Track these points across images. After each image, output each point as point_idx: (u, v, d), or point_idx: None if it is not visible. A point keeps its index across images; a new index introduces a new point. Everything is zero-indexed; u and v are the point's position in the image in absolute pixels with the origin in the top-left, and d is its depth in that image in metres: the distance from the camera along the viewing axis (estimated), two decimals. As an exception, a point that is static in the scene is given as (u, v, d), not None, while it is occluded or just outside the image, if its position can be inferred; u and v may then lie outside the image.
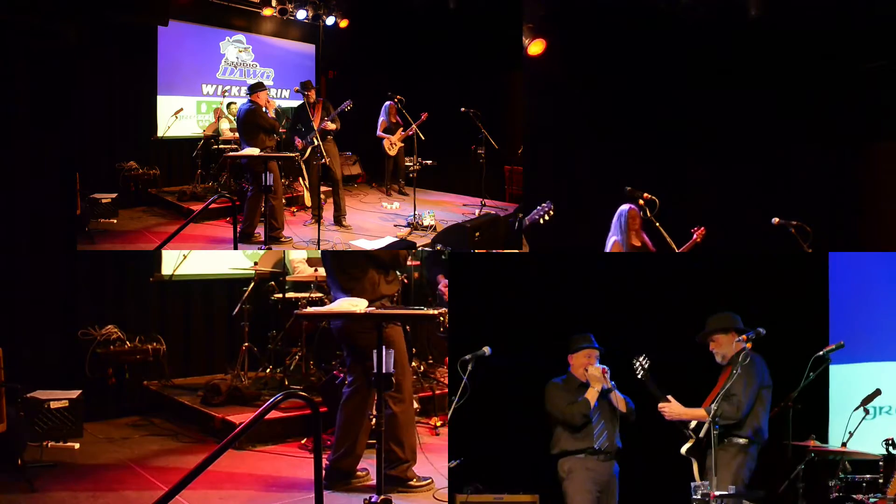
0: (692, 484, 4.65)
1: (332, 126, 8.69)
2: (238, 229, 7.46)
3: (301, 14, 10.74)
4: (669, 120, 7.88)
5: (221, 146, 9.76)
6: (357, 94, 9.08)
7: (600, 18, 7.79)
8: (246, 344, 7.76)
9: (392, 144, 10.61)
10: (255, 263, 8.10)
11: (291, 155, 8.54)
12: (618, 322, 5.38)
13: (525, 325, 5.53)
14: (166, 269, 8.27)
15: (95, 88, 9.00)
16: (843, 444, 5.20)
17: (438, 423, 6.93)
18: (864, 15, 7.19)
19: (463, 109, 9.38)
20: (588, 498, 4.95)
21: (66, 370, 7.17)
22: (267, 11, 10.68)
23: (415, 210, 9.02)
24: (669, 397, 4.88)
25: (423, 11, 10.48)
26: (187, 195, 9.57)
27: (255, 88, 8.40)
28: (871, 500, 4.85)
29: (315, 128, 8.56)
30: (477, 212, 9.55)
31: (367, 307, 4.80)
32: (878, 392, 5.31)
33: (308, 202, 9.24)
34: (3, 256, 6.83)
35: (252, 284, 8.00)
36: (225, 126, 10.11)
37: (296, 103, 9.33)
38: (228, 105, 10.34)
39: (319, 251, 7.40)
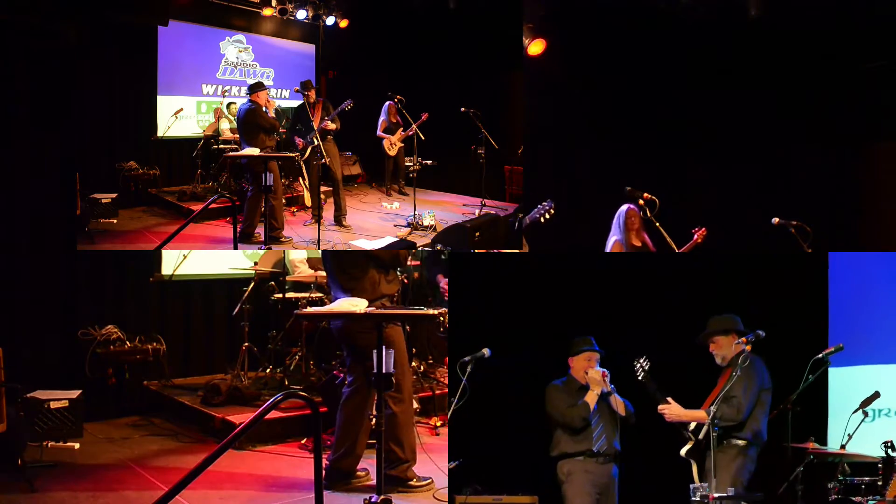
0: (691, 486, 4.66)
1: (332, 126, 8.68)
2: (238, 229, 7.46)
3: (301, 14, 10.74)
4: (669, 120, 7.88)
5: (221, 146, 9.76)
6: (357, 94, 9.07)
7: (600, 18, 7.79)
8: (246, 344, 7.76)
9: (392, 145, 10.61)
10: (255, 263, 8.10)
11: (291, 155, 8.54)
12: (618, 323, 5.38)
13: (525, 326, 5.53)
14: (166, 269, 8.27)
15: (95, 88, 9.00)
16: (842, 447, 5.20)
17: (438, 423, 6.93)
18: (864, 15, 7.19)
19: (463, 109, 9.38)
20: (587, 500, 4.96)
21: (66, 370, 7.17)
22: (267, 11, 10.68)
23: (415, 210, 9.02)
24: (669, 399, 4.88)
25: (423, 11, 10.48)
26: (187, 195, 9.57)
27: (256, 88, 8.40)
28: (870, 502, 4.85)
29: (315, 128, 8.56)
30: (477, 212, 9.55)
31: (367, 307, 4.80)
32: (877, 394, 5.32)
33: (308, 202, 9.24)
34: (3, 256, 6.83)
35: (252, 284, 8.00)
36: (225, 126, 10.11)
37: (296, 103, 9.33)
38: (228, 105, 10.34)
39: (319, 251, 7.41)
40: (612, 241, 6.40)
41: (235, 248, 7.40)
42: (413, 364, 7.52)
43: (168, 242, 7.41)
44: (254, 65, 11.31)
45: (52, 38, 6.84)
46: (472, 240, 7.77)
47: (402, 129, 10.49)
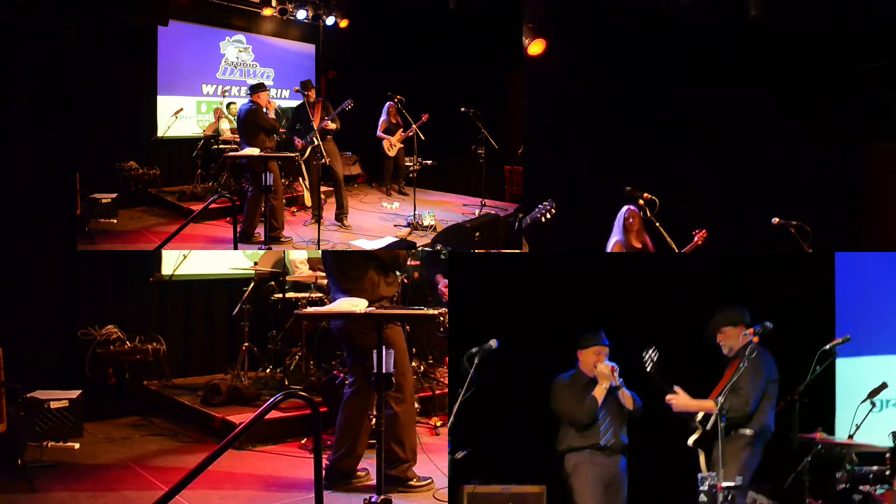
0: (699, 475, 4.67)
1: (332, 126, 8.68)
2: (238, 229, 7.46)
3: (301, 14, 10.74)
4: (669, 120, 7.88)
5: (221, 146, 9.76)
6: (357, 94, 9.07)
7: (600, 18, 7.79)
8: (246, 344, 7.76)
9: (391, 145, 10.61)
10: (255, 263, 8.10)
11: (291, 155, 8.54)
12: (618, 323, 5.37)
13: (525, 326, 5.52)
14: (166, 269, 8.27)
15: (95, 88, 8.99)
16: (850, 437, 5.19)
17: (438, 423, 6.93)
18: (864, 15, 7.19)
19: (463, 109, 9.38)
20: (595, 492, 4.96)
21: (66, 370, 7.17)
22: (267, 11, 10.68)
23: (415, 210, 9.02)
24: (677, 388, 4.89)
25: (423, 11, 10.48)
26: (187, 195, 9.57)
27: (257, 89, 8.40)
28: (878, 491, 4.85)
29: (315, 127, 8.56)
30: (477, 212, 9.55)
31: (367, 307, 4.80)
32: (884, 385, 5.31)
33: (308, 202, 9.24)
34: (3, 256, 6.83)
35: (252, 284, 8.00)
36: (225, 126, 10.11)
37: (296, 103, 9.33)
38: (228, 105, 10.34)
39: (319, 251, 7.40)
40: (613, 242, 6.41)
41: (235, 248, 7.40)
42: (413, 364, 7.51)
43: (168, 242, 7.41)
44: (254, 65, 11.31)
45: (52, 38, 6.83)
46: (472, 240, 7.77)
47: (402, 129, 10.49)
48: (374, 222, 9.28)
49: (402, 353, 5.54)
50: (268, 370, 7.93)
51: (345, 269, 5.56)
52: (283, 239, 8.14)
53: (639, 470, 5.13)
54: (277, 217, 8.11)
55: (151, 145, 9.93)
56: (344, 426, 5.59)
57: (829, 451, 5.12)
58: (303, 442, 6.61)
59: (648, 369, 4.91)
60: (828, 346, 5.16)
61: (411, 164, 9.80)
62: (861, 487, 4.87)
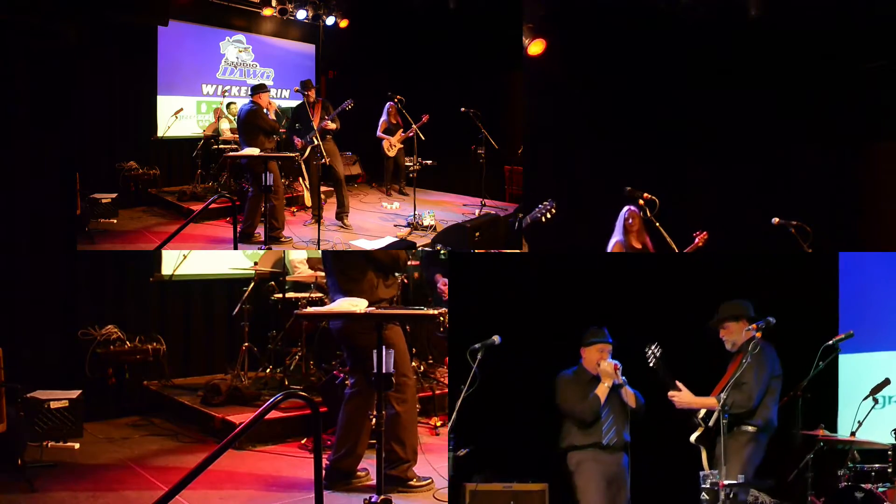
0: (701, 473, 4.67)
1: (332, 126, 8.69)
2: (238, 229, 7.46)
3: (301, 14, 10.74)
4: (669, 120, 7.88)
5: (221, 146, 9.76)
6: (357, 94, 9.08)
7: (600, 18, 7.79)
8: (246, 344, 7.76)
9: (391, 146, 10.61)
10: (255, 263, 8.10)
11: (291, 155, 8.54)
12: (618, 323, 5.37)
13: (525, 326, 5.52)
14: (166, 269, 8.27)
15: (95, 88, 8.99)
16: (853, 434, 5.20)
17: (438, 423, 6.93)
18: (864, 15, 7.19)
19: (463, 109, 9.38)
20: (598, 488, 4.97)
21: (66, 370, 7.17)
22: (267, 11, 10.67)
23: (415, 210, 9.02)
24: (680, 385, 4.89)
25: (423, 11, 10.48)
26: (187, 195, 9.56)
27: (258, 90, 8.40)
28: (881, 489, 4.86)
29: (315, 127, 8.56)
30: (477, 212, 9.55)
31: (367, 307, 4.80)
32: (887, 381, 5.31)
33: (308, 202, 9.24)
34: (3, 256, 6.83)
35: (252, 284, 8.00)
36: (225, 126, 10.11)
37: (295, 103, 9.33)
38: (228, 105, 10.34)
39: (319, 251, 7.40)
40: (613, 242, 6.41)
41: (235, 248, 7.40)
42: (413, 364, 7.51)
43: (168, 242, 7.42)
44: (254, 65, 11.31)
45: (52, 38, 6.83)
46: (472, 240, 7.77)
47: (402, 129, 10.49)
48: (374, 222, 9.28)
49: (402, 354, 5.55)
50: (268, 370, 7.93)
51: (344, 269, 5.56)
52: (283, 239, 8.14)
53: (641, 467, 5.13)
54: (277, 217, 8.11)
55: (151, 145, 9.93)
56: (344, 426, 5.59)
57: (831, 448, 5.13)
58: (303, 442, 6.61)
59: (651, 364, 4.91)
60: (831, 342, 5.16)
61: (411, 164, 9.80)
62: (863, 485, 4.87)
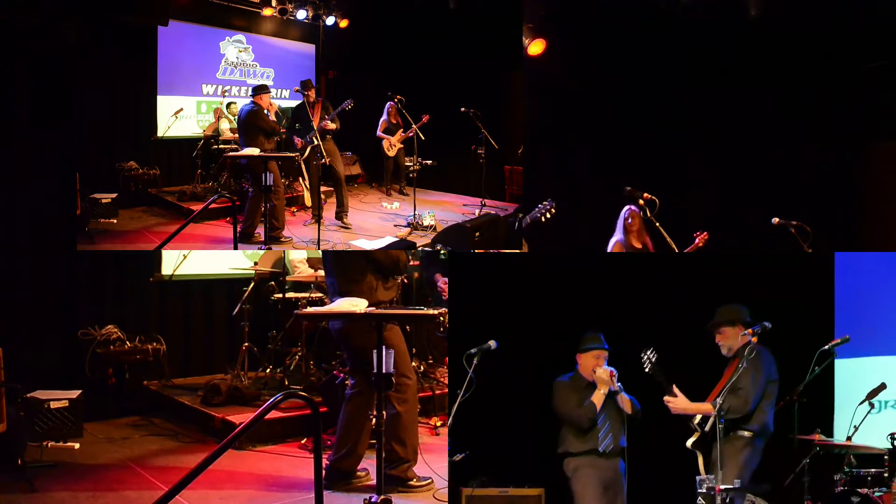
0: (697, 478, 4.68)
1: (331, 126, 8.69)
2: (238, 229, 7.46)
3: (301, 14, 10.74)
4: (669, 120, 7.88)
5: (221, 146, 9.76)
6: (357, 94, 9.07)
7: (600, 18, 7.79)
8: (246, 344, 7.76)
9: (391, 145, 10.61)
10: (255, 263, 8.10)
11: (291, 155, 8.53)
12: (617, 323, 5.37)
13: (524, 325, 5.53)
14: (166, 269, 8.28)
15: (95, 88, 8.99)
16: (849, 438, 5.21)
17: (438, 423, 6.93)
18: (864, 15, 7.19)
19: (463, 109, 9.38)
20: (595, 494, 4.97)
21: (66, 370, 7.17)
22: (267, 11, 10.67)
23: (415, 210, 9.02)
24: (676, 391, 4.88)
25: (423, 11, 10.48)
26: (187, 195, 9.57)
27: (260, 91, 8.39)
28: (877, 493, 4.86)
29: (315, 127, 8.56)
30: (477, 212, 9.55)
31: (367, 307, 4.80)
32: (883, 386, 5.32)
33: (308, 202, 9.24)
34: (3, 256, 6.83)
35: (252, 284, 8.00)
36: (225, 126, 10.11)
37: (295, 103, 9.33)
38: (228, 105, 10.34)
39: (319, 251, 7.40)
40: (613, 242, 6.41)
41: (235, 248, 7.40)
42: (413, 364, 7.51)
43: (168, 242, 7.41)
44: (254, 65, 11.31)
45: (52, 38, 6.83)
46: (472, 240, 7.77)
47: (402, 129, 10.49)
48: (374, 222, 9.28)
49: (402, 354, 5.54)
50: (268, 370, 7.93)
51: (344, 270, 5.56)
52: (283, 239, 8.14)
53: (638, 472, 5.12)
54: (278, 217, 8.11)
55: (151, 145, 9.93)
56: (345, 426, 5.59)
57: (827, 453, 5.13)
58: (303, 442, 6.61)
59: (647, 370, 4.91)
60: (827, 347, 5.16)
61: (411, 164, 9.80)
62: (859, 489, 4.87)
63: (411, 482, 5.55)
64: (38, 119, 6.96)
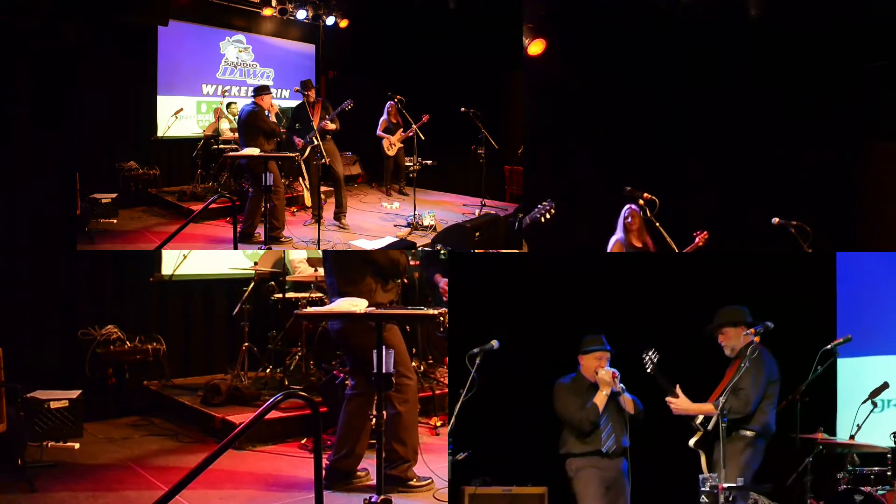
0: (700, 476, 4.67)
1: (331, 126, 8.69)
2: (238, 229, 7.46)
3: (301, 14, 10.74)
4: (669, 120, 7.88)
5: (221, 146, 9.76)
6: (357, 94, 9.08)
7: (600, 18, 7.79)
8: (246, 344, 7.76)
9: (391, 145, 10.61)
10: (255, 263, 8.10)
11: (291, 155, 8.53)
12: (618, 323, 5.37)
13: (525, 325, 5.53)
14: (166, 269, 8.27)
15: (95, 88, 8.99)
16: (851, 437, 5.21)
17: (438, 423, 6.93)
18: (864, 15, 7.19)
19: (463, 109, 9.38)
20: (597, 494, 4.97)
21: (66, 370, 7.17)
22: (267, 11, 10.67)
23: (415, 210, 9.02)
24: (678, 391, 4.88)
25: (423, 11, 10.48)
26: (187, 195, 9.57)
27: (261, 91, 8.39)
28: (880, 492, 4.86)
29: (315, 127, 8.56)
30: (477, 212, 9.55)
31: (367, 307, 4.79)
32: (885, 385, 5.32)
33: (308, 202, 9.24)
34: (3, 256, 6.83)
35: (252, 284, 8.00)
36: (225, 126, 10.12)
37: (295, 103, 9.33)
38: (228, 105, 10.34)
39: (319, 251, 7.40)
40: (613, 241, 6.42)
41: (235, 248, 7.40)
42: (413, 364, 7.51)
43: (168, 242, 7.41)
44: (254, 65, 11.31)
45: (52, 38, 6.83)
46: (472, 240, 7.77)
47: (402, 129, 10.49)
48: (374, 222, 9.28)
49: (402, 354, 5.54)
50: (268, 370, 7.93)
51: (344, 271, 5.55)
52: (283, 239, 8.14)
53: (640, 472, 5.12)
54: (278, 217, 8.11)
55: (151, 145, 9.93)
56: (345, 426, 5.59)
57: (830, 452, 5.14)
58: (303, 442, 6.61)
59: (649, 370, 4.91)
60: (829, 346, 5.17)
61: (411, 164, 9.80)
62: (862, 488, 4.87)
63: (411, 482, 5.54)
64: (38, 119, 6.96)
